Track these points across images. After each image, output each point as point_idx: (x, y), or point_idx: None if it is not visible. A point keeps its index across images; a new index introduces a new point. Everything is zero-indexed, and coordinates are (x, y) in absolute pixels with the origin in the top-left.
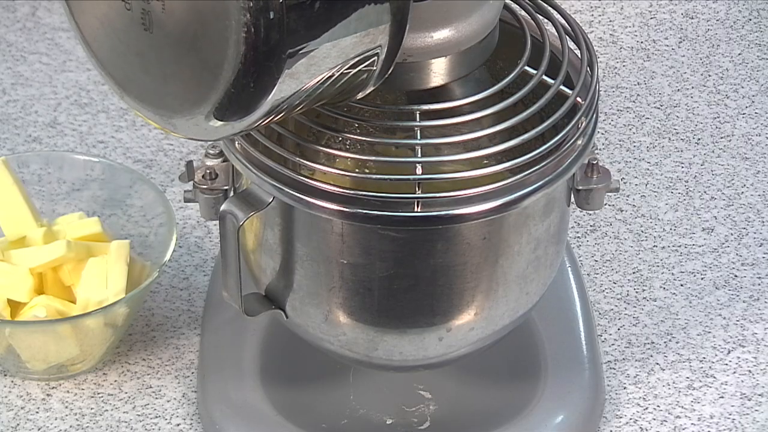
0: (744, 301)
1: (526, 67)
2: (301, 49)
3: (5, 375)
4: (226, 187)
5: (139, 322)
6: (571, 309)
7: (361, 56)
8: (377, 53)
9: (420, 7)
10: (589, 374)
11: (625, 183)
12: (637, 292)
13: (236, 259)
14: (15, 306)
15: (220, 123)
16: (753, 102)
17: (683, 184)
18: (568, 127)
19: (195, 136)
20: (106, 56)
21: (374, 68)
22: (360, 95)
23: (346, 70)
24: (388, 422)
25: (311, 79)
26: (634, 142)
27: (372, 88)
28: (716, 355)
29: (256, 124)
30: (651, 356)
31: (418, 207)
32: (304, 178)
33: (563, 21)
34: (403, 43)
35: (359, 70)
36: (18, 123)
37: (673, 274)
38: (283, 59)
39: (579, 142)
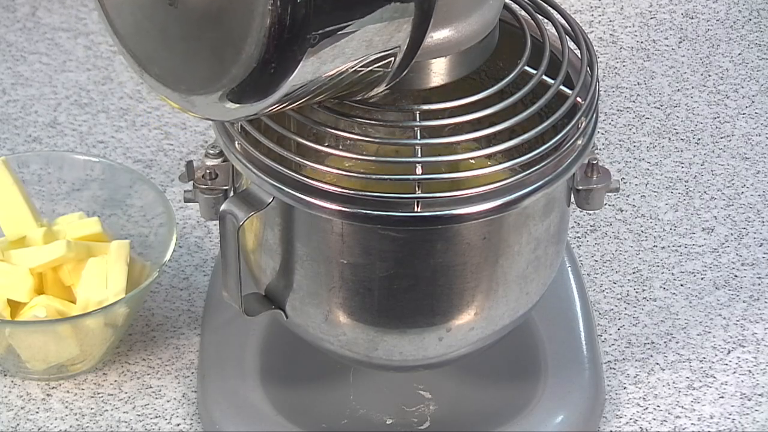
0: (744, 301)
1: (526, 67)
2: (325, 31)
3: (5, 375)
4: (226, 187)
5: (139, 322)
6: (571, 309)
7: (384, 45)
8: (399, 44)
9: None
10: (589, 374)
11: (625, 183)
12: (637, 292)
13: (236, 259)
14: (15, 306)
15: (237, 105)
16: (753, 102)
17: (683, 184)
18: (568, 127)
19: (213, 116)
20: (128, 33)
21: (395, 60)
22: (377, 90)
23: (367, 58)
24: (388, 422)
25: (333, 64)
26: (634, 142)
27: (387, 86)
28: (716, 355)
29: (272, 108)
30: (651, 356)
31: (418, 207)
32: (304, 178)
33: (563, 21)
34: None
35: (380, 59)
36: (18, 123)
37: (673, 274)
38: (307, 39)
39: (579, 142)
